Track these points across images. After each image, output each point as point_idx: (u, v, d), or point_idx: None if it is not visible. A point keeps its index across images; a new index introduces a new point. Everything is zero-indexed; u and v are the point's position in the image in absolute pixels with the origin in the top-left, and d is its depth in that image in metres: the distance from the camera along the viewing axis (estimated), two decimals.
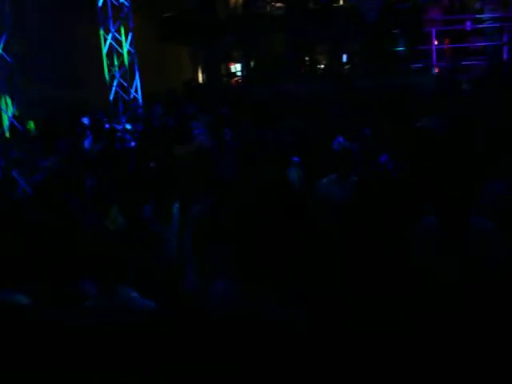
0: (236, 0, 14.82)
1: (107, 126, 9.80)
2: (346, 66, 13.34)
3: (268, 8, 13.91)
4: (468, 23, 12.33)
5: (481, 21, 12.22)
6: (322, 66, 14.12)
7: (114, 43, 11.17)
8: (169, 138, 7.31)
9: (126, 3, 11.31)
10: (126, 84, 11.27)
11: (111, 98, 11.23)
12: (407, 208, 4.04)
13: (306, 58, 13.88)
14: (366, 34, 12.22)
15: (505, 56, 11.98)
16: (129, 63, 11.25)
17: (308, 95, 10.43)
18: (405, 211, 3.97)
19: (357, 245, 4.13)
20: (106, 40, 11.15)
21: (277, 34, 13.25)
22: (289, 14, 13.20)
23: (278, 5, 13.66)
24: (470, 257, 3.12)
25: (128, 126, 10.66)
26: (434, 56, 11.87)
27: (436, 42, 12.16)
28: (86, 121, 9.62)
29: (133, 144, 8.11)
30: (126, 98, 11.25)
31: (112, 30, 11.13)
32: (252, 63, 13.83)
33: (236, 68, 15.54)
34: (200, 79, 15.65)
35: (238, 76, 15.27)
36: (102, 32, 11.12)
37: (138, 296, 3.20)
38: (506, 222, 3.75)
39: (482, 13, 12.07)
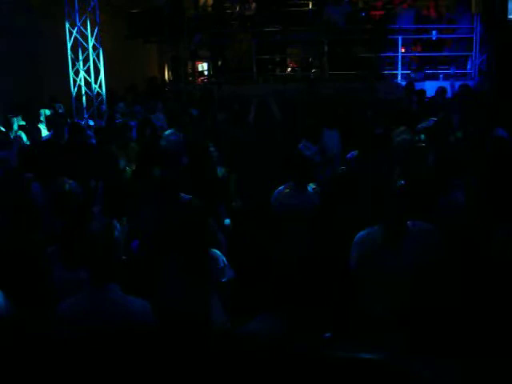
0: None
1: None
2: (313, 70, 13.39)
3: (237, 8, 13.87)
4: (434, 32, 12.51)
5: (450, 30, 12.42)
6: (289, 69, 14.17)
7: (79, 37, 10.98)
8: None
9: None
10: (90, 79, 11.09)
11: (74, 93, 11.04)
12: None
13: (274, 60, 13.90)
14: (334, 39, 12.30)
15: (468, 66, 12.20)
16: (94, 58, 11.06)
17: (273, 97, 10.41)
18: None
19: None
20: (71, 34, 10.95)
21: (245, 34, 13.24)
22: (258, 15, 13.21)
23: (247, 5, 13.64)
24: (410, 258, 3.25)
25: (90, 122, 10.52)
26: (400, 64, 12.01)
27: (403, 50, 12.31)
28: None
29: (93, 141, 8.00)
30: (90, 93, 11.07)
31: (78, 23, 10.93)
32: (219, 63, 13.78)
33: (203, 67, 15.47)
34: (166, 77, 15.54)
35: (204, 75, 15.20)
36: (67, 25, 10.92)
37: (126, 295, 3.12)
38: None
39: (454, 23, 12.22)
